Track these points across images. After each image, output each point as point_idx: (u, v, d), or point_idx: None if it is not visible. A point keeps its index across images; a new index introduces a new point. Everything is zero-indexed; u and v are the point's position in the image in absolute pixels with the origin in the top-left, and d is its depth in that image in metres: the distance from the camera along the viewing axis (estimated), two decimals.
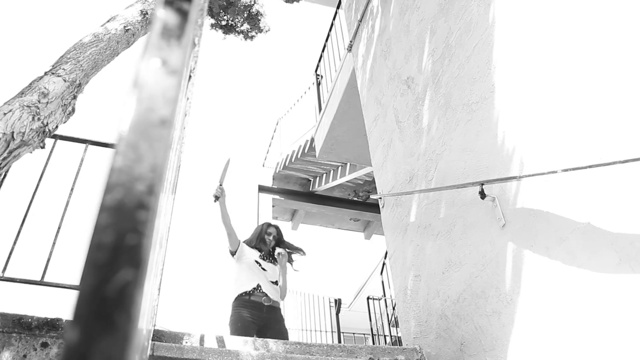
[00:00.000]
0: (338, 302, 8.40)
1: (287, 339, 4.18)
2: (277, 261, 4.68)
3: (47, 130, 2.23)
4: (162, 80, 0.34)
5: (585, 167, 2.05)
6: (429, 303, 3.21)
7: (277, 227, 4.94)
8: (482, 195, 2.71)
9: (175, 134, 0.34)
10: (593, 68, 2.20)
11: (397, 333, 7.35)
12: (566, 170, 2.15)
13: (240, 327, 4.11)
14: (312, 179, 10.27)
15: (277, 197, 9.83)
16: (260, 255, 4.62)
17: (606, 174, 2.00)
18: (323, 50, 8.61)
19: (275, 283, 4.50)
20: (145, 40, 0.38)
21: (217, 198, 4.49)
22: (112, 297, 0.24)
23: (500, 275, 2.56)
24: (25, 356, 2.08)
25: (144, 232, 0.26)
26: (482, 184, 2.72)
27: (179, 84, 0.35)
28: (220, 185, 4.52)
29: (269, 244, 4.72)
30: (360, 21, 5.52)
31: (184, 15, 0.40)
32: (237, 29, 7.49)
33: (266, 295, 4.31)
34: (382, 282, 8.33)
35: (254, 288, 4.34)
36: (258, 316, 4.19)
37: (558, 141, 2.32)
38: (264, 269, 4.50)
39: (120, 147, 0.29)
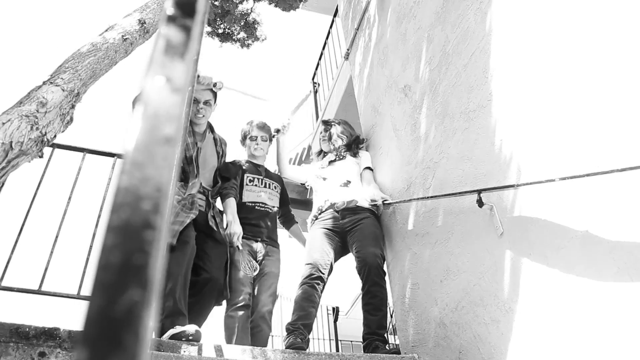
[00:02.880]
0: (336, 310, 8.38)
1: (378, 242, 3.65)
2: (352, 154, 4.19)
3: (45, 139, 2.23)
4: (166, 98, 0.35)
5: (583, 176, 2.06)
6: (427, 311, 3.21)
7: (327, 123, 4.43)
8: (480, 203, 2.71)
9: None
10: (591, 76, 2.21)
11: (395, 341, 7.33)
12: (564, 178, 2.15)
13: (311, 240, 3.67)
14: (310, 187, 10.24)
15: None
16: (320, 165, 4.19)
17: (604, 183, 2.01)
18: (320, 58, 8.63)
19: (347, 184, 3.98)
20: (149, 57, 0.38)
21: (278, 132, 3.88)
22: (120, 317, 0.24)
23: (498, 283, 2.56)
24: None
25: (151, 252, 0.26)
26: (480, 192, 2.72)
27: (183, 101, 0.35)
28: (289, 118, 3.90)
29: (332, 144, 4.22)
30: (357, 29, 5.54)
31: (187, 31, 0.40)
32: (233, 37, 7.51)
33: (334, 202, 3.80)
34: None
35: (320, 207, 3.89)
36: (336, 225, 3.73)
37: (556, 149, 2.33)
38: (324, 179, 4.06)
39: (125, 166, 0.30)
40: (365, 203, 3.80)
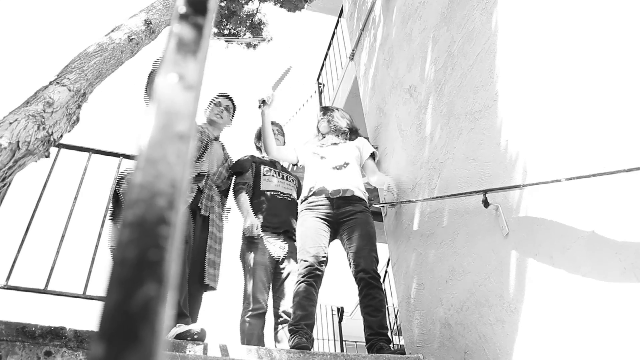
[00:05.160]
0: (340, 311, 8.37)
1: (373, 243, 3.53)
2: (352, 137, 4.12)
3: (52, 139, 2.24)
4: (179, 95, 0.35)
5: (589, 176, 2.05)
6: (432, 311, 3.21)
7: (327, 108, 4.39)
8: (486, 203, 2.71)
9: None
10: (597, 76, 2.21)
11: (399, 341, 7.33)
12: (570, 179, 2.15)
13: (304, 231, 3.59)
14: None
15: None
16: (320, 144, 4.09)
17: (610, 183, 2.00)
18: (325, 59, 8.64)
19: (343, 167, 3.84)
20: (162, 56, 0.39)
21: (264, 103, 3.89)
22: (136, 312, 0.24)
23: (504, 283, 2.56)
24: None
25: (166, 247, 0.27)
26: (486, 193, 2.72)
27: (196, 98, 0.35)
28: (273, 91, 3.95)
29: (333, 125, 4.16)
30: (362, 30, 5.54)
31: (199, 29, 0.40)
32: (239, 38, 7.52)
33: (328, 189, 3.68)
34: (385, 290, 8.31)
35: (311, 188, 3.76)
36: (329, 214, 3.62)
37: (562, 149, 2.32)
38: (322, 157, 3.93)
39: (140, 163, 0.30)
40: (360, 193, 3.74)
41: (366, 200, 3.77)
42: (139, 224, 0.27)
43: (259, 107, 3.92)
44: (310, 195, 3.72)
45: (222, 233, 3.76)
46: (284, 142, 4.52)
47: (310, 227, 3.57)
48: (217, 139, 4.07)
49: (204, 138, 3.84)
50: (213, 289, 3.58)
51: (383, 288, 3.46)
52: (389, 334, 3.29)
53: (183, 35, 0.38)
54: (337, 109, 4.43)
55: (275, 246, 3.89)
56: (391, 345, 3.25)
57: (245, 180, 4.08)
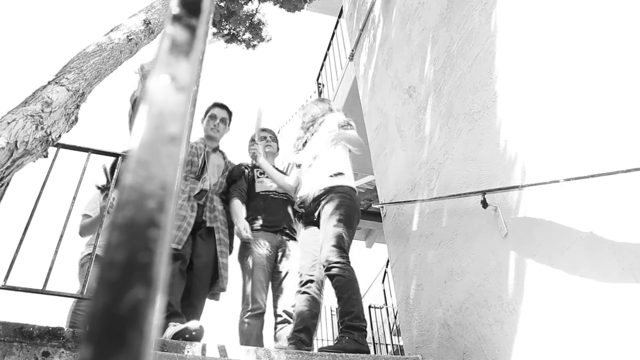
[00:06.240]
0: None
1: (332, 228, 3.40)
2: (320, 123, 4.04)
3: (50, 139, 2.23)
4: (171, 96, 0.35)
5: (588, 177, 2.05)
6: (431, 312, 3.20)
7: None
8: (484, 204, 2.70)
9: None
10: (596, 77, 2.20)
11: (398, 342, 7.32)
12: (568, 179, 2.15)
13: (299, 243, 3.76)
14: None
15: None
16: (296, 150, 4.11)
17: (609, 184, 2.00)
18: (325, 59, 8.64)
19: (313, 162, 3.81)
20: (154, 56, 0.38)
21: (255, 156, 4.12)
22: (125, 315, 0.24)
23: (503, 284, 2.56)
24: None
25: (156, 250, 0.26)
26: (484, 193, 2.72)
27: (188, 100, 0.35)
28: (253, 139, 4.19)
29: (304, 118, 4.14)
30: (362, 30, 5.54)
31: (192, 31, 0.40)
32: (239, 38, 7.52)
33: (306, 194, 3.73)
34: (384, 290, 8.31)
35: (298, 197, 3.86)
36: (313, 218, 3.64)
37: (560, 150, 2.32)
38: (298, 165, 4.03)
39: (130, 164, 0.30)
40: (326, 182, 3.57)
41: (333, 181, 3.56)
42: (128, 226, 0.27)
43: (256, 160, 4.09)
44: (300, 205, 3.76)
45: (227, 238, 3.91)
46: (278, 149, 4.53)
47: (301, 238, 3.65)
48: (216, 149, 4.18)
49: (200, 153, 3.96)
50: (223, 290, 3.75)
51: (347, 272, 3.23)
52: (360, 317, 3.15)
53: (176, 36, 0.38)
54: (303, 107, 4.35)
55: (263, 247, 3.90)
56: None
57: (238, 186, 4.13)
